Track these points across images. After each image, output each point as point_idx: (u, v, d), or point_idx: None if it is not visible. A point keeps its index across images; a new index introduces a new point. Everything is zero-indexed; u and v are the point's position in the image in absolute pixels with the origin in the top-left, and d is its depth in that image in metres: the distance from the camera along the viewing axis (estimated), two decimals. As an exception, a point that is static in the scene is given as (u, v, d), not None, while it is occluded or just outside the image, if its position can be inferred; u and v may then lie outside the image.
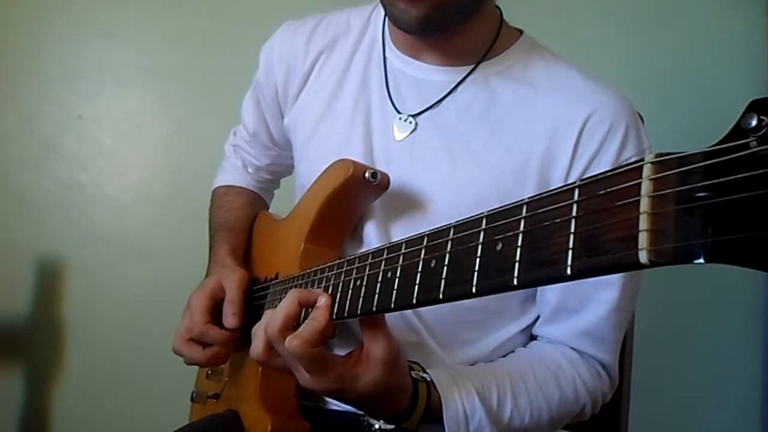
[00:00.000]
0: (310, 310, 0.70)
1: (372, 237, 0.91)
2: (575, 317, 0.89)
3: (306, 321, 0.67)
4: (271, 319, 0.69)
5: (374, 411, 0.73)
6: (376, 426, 0.74)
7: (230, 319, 0.92)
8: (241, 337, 0.96)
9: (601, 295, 0.87)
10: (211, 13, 1.81)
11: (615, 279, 0.86)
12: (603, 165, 0.86)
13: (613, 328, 0.89)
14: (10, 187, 1.80)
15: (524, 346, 0.95)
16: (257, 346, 0.72)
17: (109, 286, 1.80)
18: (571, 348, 0.90)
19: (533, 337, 0.95)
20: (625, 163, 0.85)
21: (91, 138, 1.81)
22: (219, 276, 0.97)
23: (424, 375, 0.76)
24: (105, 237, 1.80)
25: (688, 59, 1.72)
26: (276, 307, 0.87)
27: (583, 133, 0.86)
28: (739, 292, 1.69)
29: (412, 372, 0.75)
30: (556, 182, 0.87)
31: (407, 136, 0.92)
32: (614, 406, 1.11)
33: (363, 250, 0.91)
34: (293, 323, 0.68)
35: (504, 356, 0.93)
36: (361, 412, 0.75)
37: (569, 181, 0.84)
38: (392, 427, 0.73)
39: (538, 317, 0.94)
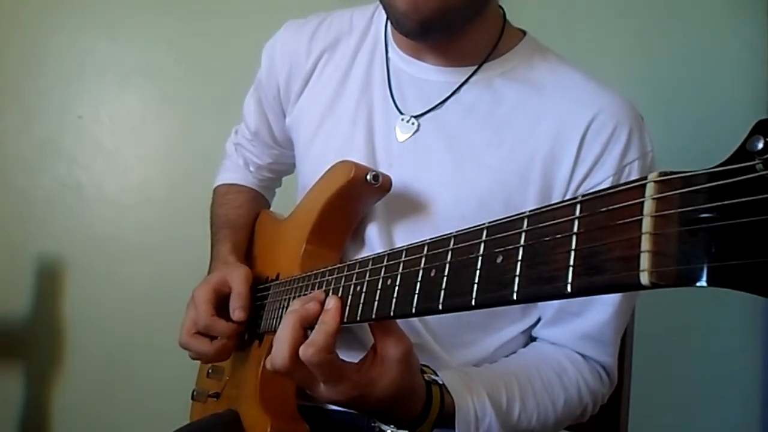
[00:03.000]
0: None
1: (374, 239, 0.91)
2: (577, 320, 0.89)
3: (316, 326, 0.66)
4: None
5: (391, 416, 0.72)
6: (388, 431, 0.73)
7: (237, 312, 0.91)
8: (242, 336, 0.96)
9: (602, 299, 0.87)
10: (211, 13, 1.80)
11: None
12: (606, 168, 0.85)
13: (613, 330, 0.89)
14: (10, 187, 1.80)
15: (525, 347, 0.95)
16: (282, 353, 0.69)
17: (109, 286, 1.80)
18: (573, 351, 0.90)
19: (534, 338, 0.95)
20: (627, 165, 0.85)
21: (91, 138, 1.81)
22: (223, 272, 0.97)
23: (436, 378, 0.76)
24: (105, 237, 1.80)
25: (688, 60, 1.71)
26: (276, 308, 0.88)
27: (586, 135, 0.85)
28: (738, 292, 1.68)
29: (424, 375, 0.75)
30: (560, 184, 0.87)
31: (410, 137, 0.91)
32: (614, 406, 1.11)
33: (365, 252, 0.91)
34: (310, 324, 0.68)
35: (506, 357, 0.93)
36: (366, 415, 0.74)
37: (572, 184, 0.85)
38: None
39: (539, 319, 0.94)
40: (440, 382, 0.76)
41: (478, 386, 0.79)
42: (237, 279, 0.94)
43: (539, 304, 0.93)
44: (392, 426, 0.73)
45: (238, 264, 1.00)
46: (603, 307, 0.87)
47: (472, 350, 0.92)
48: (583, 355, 0.90)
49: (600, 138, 0.85)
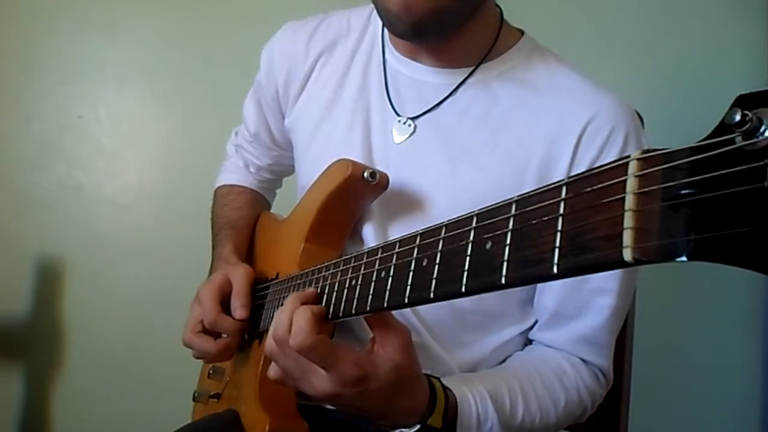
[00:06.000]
0: None
1: (371, 239, 0.91)
2: (573, 323, 0.89)
3: (295, 314, 0.66)
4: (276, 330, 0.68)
5: (397, 407, 0.70)
6: None
7: (239, 311, 0.92)
8: (243, 335, 0.97)
9: (598, 302, 0.87)
10: (211, 13, 1.81)
11: (612, 285, 0.86)
12: None
13: (609, 333, 0.89)
14: (10, 187, 1.80)
15: (522, 349, 0.95)
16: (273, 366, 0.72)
17: (109, 286, 1.80)
18: (571, 354, 0.90)
19: (530, 341, 0.95)
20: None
21: (90, 138, 1.81)
22: (226, 270, 0.97)
23: (435, 375, 0.76)
24: (105, 237, 1.80)
25: (688, 59, 1.71)
26: (275, 307, 0.88)
27: (582, 138, 0.85)
28: (738, 290, 1.68)
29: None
30: None
31: (406, 138, 0.91)
32: (614, 406, 1.11)
33: (362, 250, 0.91)
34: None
35: (505, 359, 0.93)
36: (369, 417, 0.72)
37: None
38: (418, 427, 0.71)
39: (537, 321, 0.94)
40: (439, 377, 0.76)
41: (479, 387, 0.78)
42: (238, 277, 0.95)
43: (535, 306, 0.93)
44: (407, 430, 0.71)
45: (240, 263, 1.00)
46: (599, 310, 0.87)
47: (472, 350, 0.92)
48: (580, 358, 0.90)
49: (596, 140, 0.85)
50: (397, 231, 0.90)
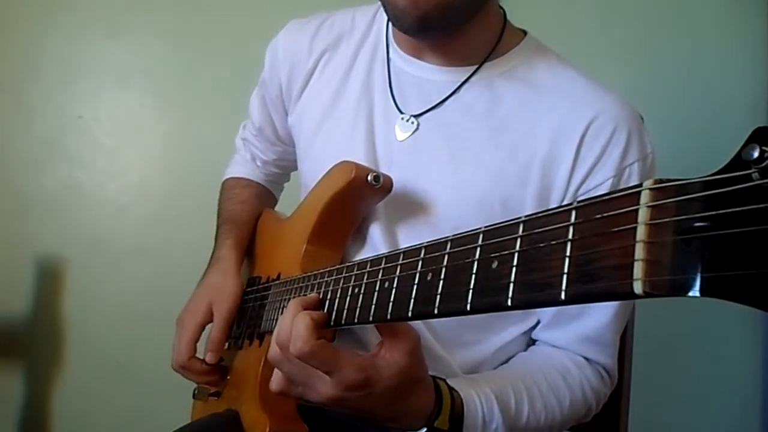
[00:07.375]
0: None
1: (376, 238, 0.91)
2: (576, 323, 0.89)
3: (295, 321, 0.66)
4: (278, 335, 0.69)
5: (402, 410, 0.70)
6: None
7: (209, 356, 0.99)
8: (242, 336, 0.97)
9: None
10: (211, 13, 1.81)
11: None
12: (605, 170, 0.85)
13: (613, 332, 0.89)
14: (11, 187, 1.80)
15: (526, 349, 0.95)
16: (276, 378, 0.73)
17: (109, 286, 1.80)
18: (575, 353, 0.90)
19: (534, 341, 0.95)
20: (626, 167, 0.85)
21: (91, 138, 1.81)
22: (211, 299, 1.01)
23: (441, 377, 0.75)
24: (105, 237, 1.80)
25: (688, 60, 1.71)
26: (276, 308, 0.88)
27: (585, 137, 0.85)
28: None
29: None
30: (558, 186, 0.86)
31: (409, 136, 0.91)
32: (614, 406, 1.11)
33: (367, 251, 0.91)
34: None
35: (507, 360, 0.93)
36: (374, 417, 0.72)
37: (571, 185, 0.85)
38: (425, 430, 0.70)
39: (539, 321, 0.93)
40: (445, 378, 0.75)
41: (484, 388, 0.78)
42: (219, 314, 1.00)
43: None
44: None
45: (230, 284, 1.03)
46: (603, 310, 0.87)
47: (474, 350, 0.92)
48: (584, 357, 0.90)
49: (599, 140, 0.85)
50: (403, 230, 0.91)
